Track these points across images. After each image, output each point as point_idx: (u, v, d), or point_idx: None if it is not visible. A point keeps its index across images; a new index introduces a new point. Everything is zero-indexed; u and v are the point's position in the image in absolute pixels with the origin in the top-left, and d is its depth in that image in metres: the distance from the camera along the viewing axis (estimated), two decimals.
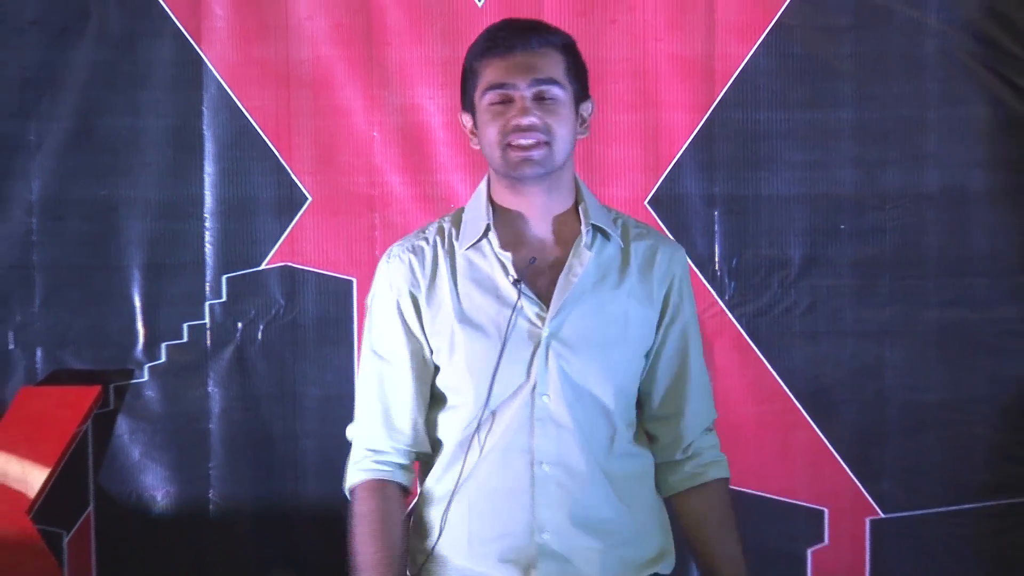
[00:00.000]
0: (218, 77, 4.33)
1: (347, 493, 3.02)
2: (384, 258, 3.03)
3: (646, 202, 4.27)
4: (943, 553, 4.34)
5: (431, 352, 2.98)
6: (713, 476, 3.03)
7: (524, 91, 2.88)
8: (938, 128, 4.30)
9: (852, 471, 4.32)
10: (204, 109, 4.34)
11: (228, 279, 4.38)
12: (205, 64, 4.33)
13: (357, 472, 2.99)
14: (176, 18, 4.33)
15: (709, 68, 4.29)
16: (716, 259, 4.29)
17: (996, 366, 4.31)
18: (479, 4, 4.28)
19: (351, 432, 3.06)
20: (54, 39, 4.35)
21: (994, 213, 4.29)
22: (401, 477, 2.98)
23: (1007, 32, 4.26)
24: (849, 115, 4.29)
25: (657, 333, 3.00)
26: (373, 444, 3.00)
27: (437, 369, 3.00)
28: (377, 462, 2.98)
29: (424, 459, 3.04)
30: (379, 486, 2.97)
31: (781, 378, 4.31)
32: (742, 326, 4.28)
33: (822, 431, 4.32)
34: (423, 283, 2.98)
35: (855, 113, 4.29)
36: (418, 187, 4.32)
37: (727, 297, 4.30)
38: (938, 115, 4.30)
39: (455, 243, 3.00)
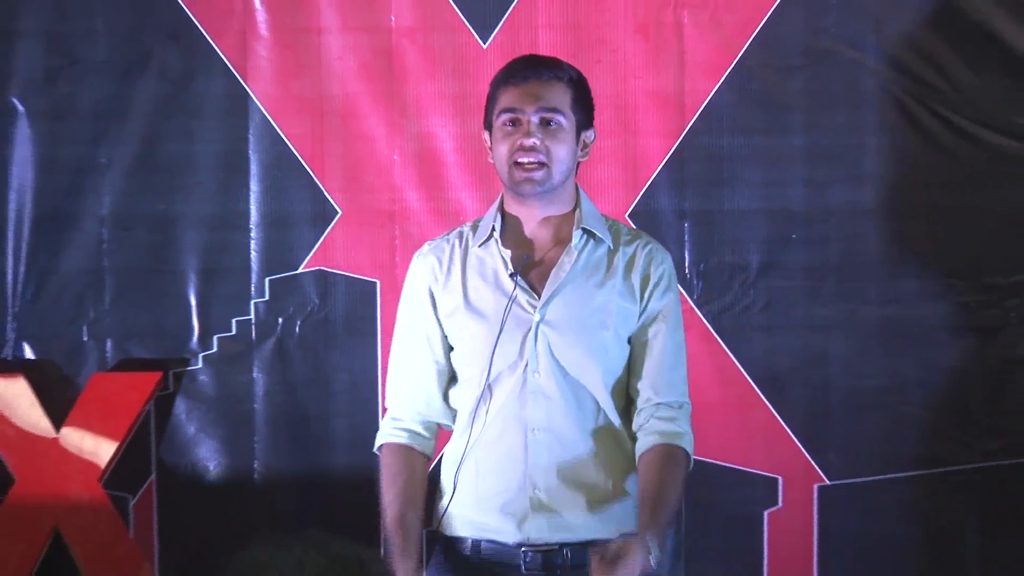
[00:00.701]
0: (262, 109, 4.44)
1: (377, 451, 3.20)
2: (416, 254, 3.23)
3: (626, 215, 4.35)
4: (880, 515, 4.41)
5: (445, 336, 3.16)
6: (659, 442, 3.06)
7: (531, 116, 3.05)
8: (875, 152, 4.38)
9: (802, 444, 4.41)
10: (249, 136, 4.45)
11: (270, 281, 4.48)
12: (251, 98, 4.43)
13: (382, 435, 3.20)
14: (226, 58, 4.43)
15: (680, 101, 4.38)
16: (686, 264, 4.38)
17: (925, 356, 4.40)
18: (484, 46, 4.38)
19: (387, 402, 3.25)
20: (121, 76, 4.45)
21: (923, 225, 4.38)
22: (414, 442, 3.17)
23: (933, 70, 4.35)
24: (800, 141, 4.39)
25: (637, 322, 3.13)
26: (395, 413, 3.20)
27: (452, 349, 3.16)
28: (397, 428, 3.18)
29: (446, 427, 3.21)
30: (396, 448, 3.17)
31: (741, 365, 4.41)
32: (708, 321, 4.40)
33: (776, 410, 4.41)
34: (441, 278, 3.15)
35: (805, 140, 4.39)
36: (432, 203, 4.43)
37: (695, 296, 4.41)
38: (875, 141, 4.38)
39: (470, 243, 3.16)
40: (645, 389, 3.14)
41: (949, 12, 4.37)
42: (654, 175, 4.44)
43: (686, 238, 4.44)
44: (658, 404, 3.12)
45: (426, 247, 3.24)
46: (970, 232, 4.40)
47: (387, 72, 4.45)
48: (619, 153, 4.41)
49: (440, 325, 3.18)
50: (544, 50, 4.30)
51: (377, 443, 3.20)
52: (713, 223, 4.45)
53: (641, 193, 4.43)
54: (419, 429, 3.20)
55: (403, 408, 3.21)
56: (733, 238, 4.44)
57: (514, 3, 4.41)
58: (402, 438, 3.18)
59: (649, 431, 3.10)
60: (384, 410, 4.34)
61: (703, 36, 4.40)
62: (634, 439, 3.15)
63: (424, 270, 3.21)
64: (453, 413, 3.21)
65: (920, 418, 4.43)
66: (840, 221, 4.42)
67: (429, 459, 3.20)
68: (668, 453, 3.07)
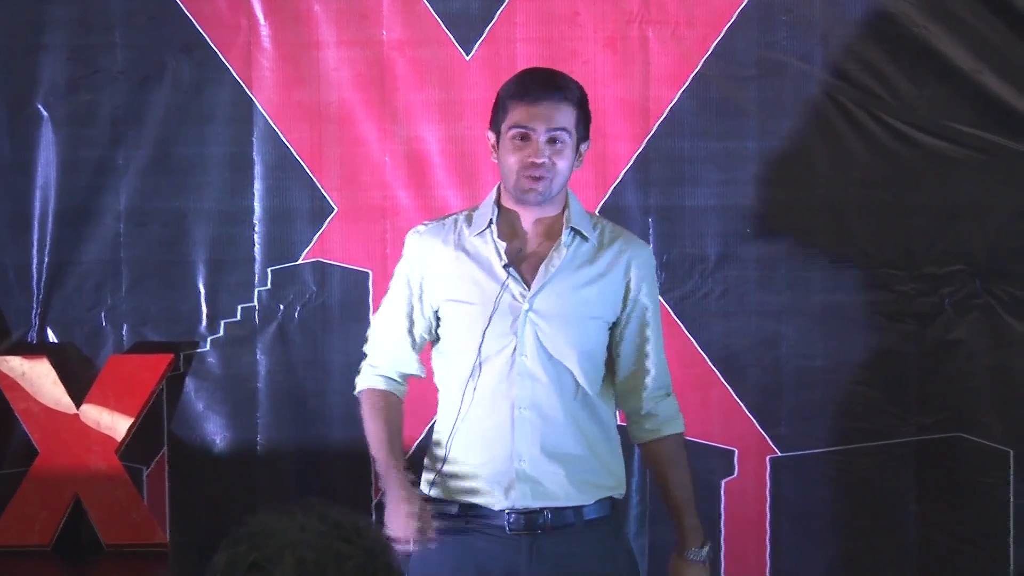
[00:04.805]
0: (265, 115, 4.43)
1: (358, 395, 3.27)
2: (413, 231, 3.24)
3: (596, 211, 4.29)
4: (826, 483, 4.43)
5: (432, 311, 3.19)
6: (666, 432, 3.21)
7: (541, 136, 3.06)
8: (822, 155, 4.37)
9: (756, 419, 4.42)
10: (254, 140, 4.44)
11: (272, 271, 4.48)
12: (255, 105, 4.43)
13: (361, 381, 3.26)
14: (233, 69, 4.42)
15: (645, 108, 4.38)
16: None
17: (867, 339, 4.39)
18: (467, 59, 4.37)
19: (366, 349, 3.30)
20: (138, 85, 4.46)
21: (866, 220, 4.38)
22: (391, 386, 3.23)
23: (875, 79, 4.33)
24: (753, 145, 4.39)
25: (622, 312, 3.17)
26: (374, 362, 3.26)
27: (438, 322, 3.19)
28: (375, 374, 3.24)
29: (415, 376, 3.27)
30: (375, 390, 3.23)
31: (700, 347, 4.42)
32: (671, 307, 4.37)
33: (732, 388, 4.42)
34: (432, 257, 3.17)
35: (758, 143, 4.39)
36: (420, 200, 4.42)
37: (659, 285, 4.11)
38: (821, 144, 4.37)
39: (466, 231, 3.17)
40: (645, 378, 3.21)
41: (889, 26, 4.37)
42: (621, 175, 4.44)
43: (650, 232, 4.44)
44: (655, 394, 3.21)
45: (423, 227, 3.25)
46: (908, 226, 4.41)
47: (379, 82, 4.45)
48: (590, 155, 3.98)
49: (421, 298, 3.21)
50: (521, 62, 4.28)
51: (358, 387, 3.27)
52: (675, 218, 4.45)
53: (610, 191, 4.44)
54: (394, 376, 3.25)
55: (381, 357, 3.26)
56: (693, 232, 4.45)
57: (494, 19, 4.41)
58: (379, 383, 3.24)
59: (654, 420, 3.20)
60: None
61: (665, 49, 4.40)
62: (624, 417, 3.27)
63: (422, 245, 3.22)
64: (422, 367, 3.28)
65: (863, 395, 4.43)
66: (789, 216, 4.44)
67: (401, 400, 3.27)
68: (675, 443, 3.23)
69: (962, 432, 4.39)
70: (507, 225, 3.18)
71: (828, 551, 4.48)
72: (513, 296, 3.11)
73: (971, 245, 4.40)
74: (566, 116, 3.09)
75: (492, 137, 3.16)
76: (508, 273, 3.11)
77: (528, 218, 3.17)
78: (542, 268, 3.13)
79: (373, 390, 3.25)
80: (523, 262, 3.15)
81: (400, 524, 3.05)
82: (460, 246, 3.17)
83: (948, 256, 4.40)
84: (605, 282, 3.18)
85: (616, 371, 3.23)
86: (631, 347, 3.21)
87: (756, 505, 4.47)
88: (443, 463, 3.16)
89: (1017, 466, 4.37)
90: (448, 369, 3.21)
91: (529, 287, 3.12)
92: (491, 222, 3.16)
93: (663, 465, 3.22)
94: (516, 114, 3.09)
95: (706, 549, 3.23)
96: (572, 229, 3.16)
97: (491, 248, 3.15)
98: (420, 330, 3.24)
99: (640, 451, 3.26)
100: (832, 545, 4.47)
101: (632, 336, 3.20)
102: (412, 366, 3.26)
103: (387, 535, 1.97)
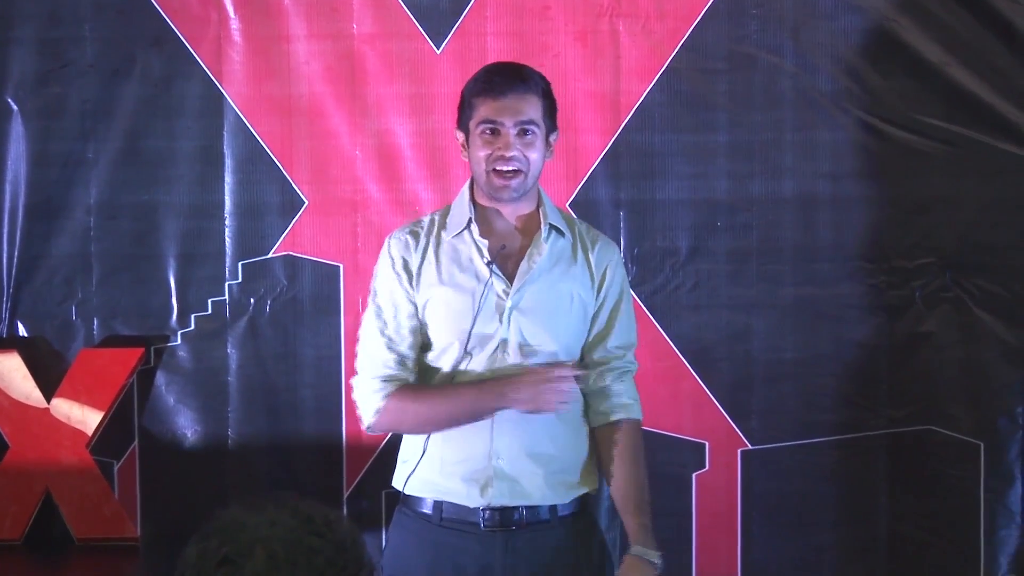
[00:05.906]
0: (235, 108, 4.40)
1: (370, 427, 3.08)
2: (387, 240, 3.16)
3: (567, 204, 4.33)
4: (797, 476, 4.41)
5: (420, 311, 3.11)
6: (617, 417, 3.15)
7: (510, 129, 3.03)
8: (792, 148, 4.37)
9: (727, 412, 4.41)
10: (224, 133, 4.42)
11: (243, 265, 4.45)
12: (225, 99, 4.40)
13: (377, 394, 3.07)
14: (203, 63, 4.40)
15: (615, 101, 4.36)
16: (622, 249, 4.35)
17: (837, 331, 4.38)
18: (437, 52, 4.35)
19: (357, 381, 3.13)
20: (108, 79, 4.43)
21: (836, 213, 4.37)
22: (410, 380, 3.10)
23: (845, 73, 4.33)
24: (724, 138, 4.37)
25: (596, 306, 3.16)
26: (385, 372, 3.08)
27: (423, 325, 3.12)
28: (391, 382, 3.07)
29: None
30: (407, 385, 3.07)
31: (671, 340, 4.40)
32: (642, 301, 4.36)
33: (703, 381, 4.41)
34: (416, 259, 3.11)
35: (728, 136, 4.37)
36: (391, 193, 4.39)
37: (630, 278, 4.33)
38: (792, 138, 4.37)
39: (442, 232, 3.12)
40: (600, 358, 3.16)
41: (859, 20, 4.37)
42: (592, 168, 4.42)
43: (621, 225, 4.42)
44: (614, 354, 3.16)
45: (396, 232, 3.19)
46: (878, 219, 4.39)
47: (349, 75, 4.42)
48: (561, 148, 4.17)
49: (414, 300, 3.13)
50: (492, 55, 4.30)
51: (373, 406, 3.09)
52: (646, 212, 4.43)
53: (581, 184, 4.42)
54: (409, 379, 3.13)
55: (395, 364, 3.11)
56: (664, 225, 4.43)
57: (465, 13, 4.38)
58: (403, 382, 3.10)
59: (607, 401, 3.13)
60: (348, 384, 4.39)
61: (636, 43, 4.38)
62: (591, 397, 3.17)
63: (401, 250, 3.15)
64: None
65: (833, 388, 4.43)
66: (760, 210, 4.41)
67: None
68: (628, 433, 3.14)
69: (933, 425, 4.38)
70: (484, 222, 3.15)
71: (799, 544, 4.46)
72: (497, 294, 3.08)
73: (941, 238, 4.38)
74: (533, 107, 3.06)
75: (461, 136, 3.13)
76: (491, 271, 3.08)
77: (505, 214, 3.14)
78: (523, 264, 3.10)
79: (405, 387, 3.10)
80: (505, 260, 3.12)
81: (544, 383, 2.99)
82: (439, 248, 3.13)
83: (918, 249, 4.39)
84: (582, 278, 3.16)
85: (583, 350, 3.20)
86: (597, 327, 3.19)
87: (727, 498, 4.45)
88: (420, 459, 3.11)
89: (988, 459, 4.37)
90: (430, 368, 3.15)
91: (511, 284, 3.09)
92: (470, 221, 3.12)
93: (611, 455, 3.15)
94: (483, 110, 3.06)
95: (659, 557, 3.09)
96: (549, 225, 3.14)
97: (471, 246, 3.12)
98: (418, 329, 3.14)
99: (593, 437, 3.17)
100: (803, 538, 4.45)
101: (601, 318, 3.19)
102: (414, 370, 3.16)
103: (357, 529, 1.89)
